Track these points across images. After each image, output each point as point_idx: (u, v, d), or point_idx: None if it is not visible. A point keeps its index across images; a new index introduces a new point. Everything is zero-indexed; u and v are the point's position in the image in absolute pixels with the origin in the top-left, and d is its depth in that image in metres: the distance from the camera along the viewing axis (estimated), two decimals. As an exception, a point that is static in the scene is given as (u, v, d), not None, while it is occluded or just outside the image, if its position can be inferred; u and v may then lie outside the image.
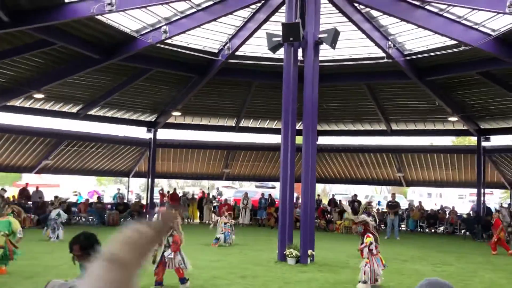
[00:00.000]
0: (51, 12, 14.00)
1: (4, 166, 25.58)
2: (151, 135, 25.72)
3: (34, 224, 20.18)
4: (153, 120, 25.34)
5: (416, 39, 17.15)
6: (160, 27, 15.99)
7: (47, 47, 16.52)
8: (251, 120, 26.39)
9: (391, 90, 21.96)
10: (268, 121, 26.32)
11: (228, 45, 17.92)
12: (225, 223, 16.20)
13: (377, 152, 27.59)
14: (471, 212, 24.78)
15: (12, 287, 8.34)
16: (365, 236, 9.53)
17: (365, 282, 9.16)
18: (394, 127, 25.37)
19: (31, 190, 24.35)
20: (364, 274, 9.23)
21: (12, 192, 28.09)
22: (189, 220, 25.57)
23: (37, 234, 16.47)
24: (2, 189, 23.21)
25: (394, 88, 21.66)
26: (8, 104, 20.83)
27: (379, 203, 26.76)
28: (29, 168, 26.23)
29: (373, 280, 9.18)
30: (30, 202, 22.93)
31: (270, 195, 25.95)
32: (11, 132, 23.22)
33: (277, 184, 33.94)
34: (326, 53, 17.26)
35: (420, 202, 26.69)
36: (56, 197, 19.07)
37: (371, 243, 9.39)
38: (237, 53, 18.52)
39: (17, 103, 21.22)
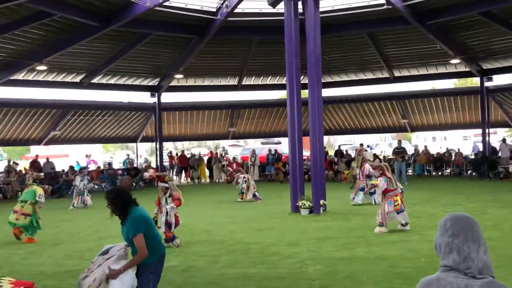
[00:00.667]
0: (47, -17, 13.94)
1: (12, 140, 25.87)
2: (155, 99, 25.87)
3: (49, 195, 20.56)
4: (156, 84, 25.43)
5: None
6: (157, -11, 15.91)
7: (46, 19, 16.49)
8: (254, 78, 26.41)
9: (392, 37, 21.87)
10: (270, 77, 26.33)
11: (226, 3, 17.77)
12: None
13: (381, 100, 27.66)
14: (473, 153, 25.09)
15: (40, 255, 8.70)
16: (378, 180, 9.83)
17: (381, 225, 9.52)
18: (397, 74, 25.39)
19: (41, 161, 24.70)
20: (377, 216, 9.59)
21: (22, 165, 28.47)
22: (199, 180, 26.00)
23: (54, 204, 16.88)
24: (14, 162, 23.62)
25: (395, 35, 21.55)
26: (11, 78, 20.91)
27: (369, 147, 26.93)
28: (37, 140, 26.51)
29: (385, 222, 9.52)
30: (42, 174, 23.26)
31: (276, 150, 26.22)
32: (16, 106, 23.42)
33: (283, 140, 34.30)
34: (325, 3, 17.17)
35: (425, 147, 26.92)
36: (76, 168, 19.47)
37: (372, 186, 9.77)
38: (236, 10, 18.39)
39: (20, 76, 21.31)
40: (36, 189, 10.93)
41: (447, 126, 28.89)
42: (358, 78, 26.42)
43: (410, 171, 24.06)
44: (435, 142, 43.43)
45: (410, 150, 30.71)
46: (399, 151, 21.42)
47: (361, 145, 23.78)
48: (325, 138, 48.84)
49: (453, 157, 24.88)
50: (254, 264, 7.26)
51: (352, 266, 6.97)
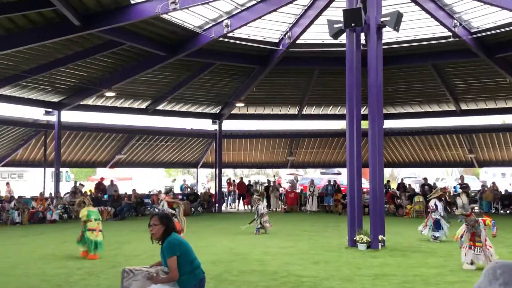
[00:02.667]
0: (119, 14, 14.65)
1: (80, 162, 27.06)
2: (216, 127, 26.35)
3: (111, 216, 21.17)
4: (217, 112, 25.92)
5: (483, 16, 16.54)
6: (222, 21, 16.37)
7: (116, 47, 17.30)
8: (314, 107, 26.39)
9: (459, 69, 21.28)
10: (331, 107, 26.23)
11: (288, 34, 18.02)
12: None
13: (447, 133, 26.90)
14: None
15: (98, 276, 8.91)
16: (482, 221, 9.54)
17: (472, 263, 9.22)
18: (464, 107, 24.62)
19: (106, 183, 25.58)
20: (465, 255, 9.32)
21: (88, 186, 29.56)
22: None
23: (115, 226, 17.32)
24: (80, 184, 24.55)
25: (462, 67, 20.97)
26: (82, 103, 22.00)
27: (455, 189, 26.08)
28: (104, 163, 27.58)
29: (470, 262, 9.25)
30: (106, 196, 24.07)
31: (335, 181, 25.87)
32: (85, 129, 24.57)
33: (343, 170, 33.84)
34: (389, 35, 17.01)
35: (493, 183, 25.71)
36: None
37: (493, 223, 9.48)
38: (298, 41, 18.56)
39: (90, 101, 22.37)
40: (82, 211, 11.47)
41: (517, 162, 27.60)
42: (423, 110, 25.83)
43: (476, 208, 23.01)
44: (505, 178, 41.50)
45: (477, 186, 29.48)
46: (462, 187, 20.67)
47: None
48: (389, 170, 48.04)
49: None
50: (306, 299, 7.11)
51: (409, 307, 6.69)
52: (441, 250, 11.55)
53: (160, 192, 26.27)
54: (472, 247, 9.39)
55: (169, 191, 20.27)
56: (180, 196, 26.25)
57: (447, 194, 14.80)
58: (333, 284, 8.00)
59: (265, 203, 16.07)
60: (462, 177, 22.90)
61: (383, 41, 13.36)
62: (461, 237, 9.76)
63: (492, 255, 9.20)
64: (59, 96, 21.58)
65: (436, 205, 13.74)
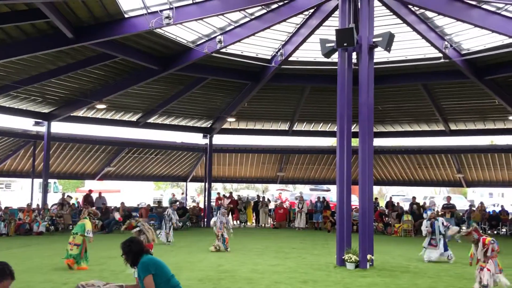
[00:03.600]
0: (112, 27, 14.64)
1: (68, 174, 26.90)
2: (207, 141, 26.35)
3: (99, 229, 20.96)
4: (208, 126, 25.92)
5: (473, 38, 16.76)
6: (215, 37, 16.43)
7: (108, 60, 17.29)
8: (305, 124, 26.49)
9: (448, 90, 21.50)
10: (321, 124, 26.35)
11: (281, 51, 18.13)
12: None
13: (436, 153, 27.12)
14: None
15: (84, 291, 8.81)
16: (482, 240, 9.46)
17: (485, 286, 9.09)
18: (453, 127, 24.83)
19: (94, 196, 25.36)
20: (483, 277, 9.12)
21: (76, 198, 29.35)
22: (245, 223, 25.92)
23: (102, 239, 17.14)
24: (68, 196, 24.36)
25: (452, 88, 21.19)
26: (72, 114, 21.92)
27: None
28: (92, 175, 27.45)
29: (491, 284, 9.11)
30: (94, 208, 23.82)
31: (324, 198, 25.88)
32: (75, 141, 24.50)
33: (332, 187, 33.91)
34: (381, 54, 17.15)
35: (481, 203, 25.83)
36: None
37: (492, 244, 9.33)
38: (290, 58, 18.66)
39: (80, 113, 22.28)
40: (86, 224, 11.58)
41: (504, 183, 27.87)
42: (412, 130, 26.01)
43: (464, 227, 23.08)
44: (492, 198, 41.81)
45: (464, 206, 29.64)
46: (448, 207, 20.87)
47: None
48: (377, 187, 48.19)
49: (510, 215, 23.75)
50: (294, 319, 7.07)
51: (397, 329, 6.67)
52: (430, 271, 11.56)
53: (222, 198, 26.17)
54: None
55: (174, 201, 20.38)
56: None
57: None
58: (321, 304, 7.97)
59: (230, 218, 15.87)
60: (449, 198, 23.08)
61: (375, 60, 13.48)
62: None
63: (485, 278, 9.11)
64: (50, 107, 21.48)
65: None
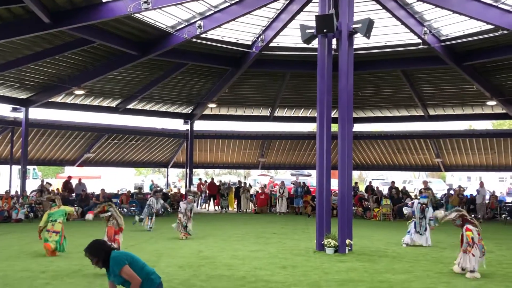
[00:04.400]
0: (90, 12, 14.45)
1: (47, 160, 26.60)
2: (188, 127, 26.27)
3: (79, 216, 20.82)
4: (189, 112, 25.82)
5: (452, 24, 16.88)
6: (195, 22, 16.30)
7: (87, 45, 17.07)
8: (286, 110, 26.54)
9: (427, 76, 21.70)
10: (302, 110, 26.42)
11: (261, 37, 18.07)
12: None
13: (415, 138, 27.42)
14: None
15: (62, 280, 8.78)
16: (465, 228, 9.67)
17: (472, 271, 9.28)
18: (432, 112, 25.10)
19: (74, 182, 25.14)
20: (469, 262, 9.32)
21: (56, 184, 29.05)
22: (227, 209, 25.98)
23: (81, 227, 17.01)
24: (47, 182, 24.08)
25: (431, 74, 21.39)
26: (50, 100, 21.63)
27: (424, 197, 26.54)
28: (72, 161, 27.21)
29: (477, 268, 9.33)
30: (73, 194, 23.68)
31: (304, 183, 26.03)
32: (53, 127, 24.19)
33: (313, 172, 34.08)
34: (361, 40, 17.19)
35: (459, 187, 26.22)
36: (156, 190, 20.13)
37: (472, 238, 9.51)
38: (271, 44, 18.62)
39: (58, 99, 22.03)
40: (67, 209, 11.94)
41: (482, 167, 28.32)
42: (392, 115, 26.23)
43: (442, 211, 23.37)
44: (470, 182, 42.47)
45: (443, 189, 30.07)
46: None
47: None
48: (357, 172, 48.64)
49: (487, 199, 24.15)
50: (273, 305, 7.15)
51: (374, 313, 6.79)
52: (408, 255, 11.74)
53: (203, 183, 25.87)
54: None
55: (159, 191, 20.22)
56: (149, 196, 26.06)
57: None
58: (300, 290, 8.07)
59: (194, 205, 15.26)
60: (425, 182, 23.42)
61: (354, 46, 13.52)
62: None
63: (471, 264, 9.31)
64: (27, 93, 21.16)
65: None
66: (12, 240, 14.05)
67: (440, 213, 11.42)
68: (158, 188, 23.32)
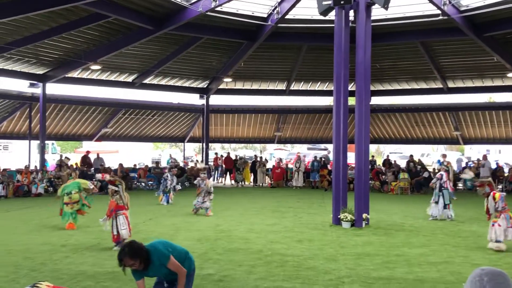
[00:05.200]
0: (104, -14, 14.33)
1: (66, 135, 26.85)
2: (203, 101, 26.25)
3: (97, 190, 21.04)
4: (205, 86, 25.75)
5: (472, -6, 16.47)
6: (210, -5, 16.10)
7: (102, 20, 17.00)
8: (302, 83, 26.32)
9: (447, 48, 21.28)
10: (319, 83, 26.18)
11: (277, 9, 17.82)
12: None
13: (433, 111, 27.06)
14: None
15: (82, 254, 8.92)
16: (492, 194, 9.55)
17: (499, 241, 9.21)
18: (451, 84, 24.71)
19: (92, 157, 25.42)
20: (496, 233, 9.25)
21: (74, 159, 29.39)
22: (243, 183, 26.10)
23: (101, 200, 17.19)
24: (66, 157, 24.39)
25: (450, 45, 20.97)
26: (67, 75, 21.72)
27: (438, 163, 26.20)
28: (89, 136, 27.42)
29: (504, 237, 9.24)
30: (92, 169, 23.95)
31: (321, 157, 25.97)
32: (70, 102, 24.35)
33: (329, 146, 33.96)
34: (378, 12, 16.87)
35: (478, 160, 25.91)
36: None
37: (502, 199, 9.40)
38: (286, 16, 18.36)
39: (75, 74, 22.10)
40: (80, 181, 12.15)
41: (501, 140, 27.89)
42: (410, 88, 25.89)
43: (460, 185, 23.26)
44: (489, 154, 41.98)
45: (462, 163, 29.76)
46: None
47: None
48: (375, 146, 48.31)
49: (507, 172, 23.89)
50: (290, 278, 7.18)
51: (390, 287, 6.79)
52: (424, 229, 11.70)
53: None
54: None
55: (174, 166, 20.36)
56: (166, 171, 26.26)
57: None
58: (316, 263, 8.09)
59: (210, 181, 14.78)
60: (444, 155, 23.07)
61: (372, 18, 13.26)
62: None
63: (496, 233, 9.21)
64: (44, 69, 21.26)
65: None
66: (32, 214, 14.30)
67: (468, 174, 11.15)
68: (173, 164, 23.45)
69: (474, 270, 2.01)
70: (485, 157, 24.00)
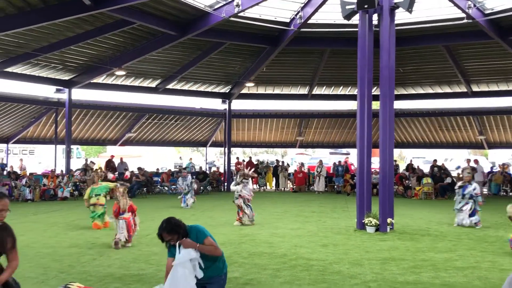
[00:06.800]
0: (129, -7, 14.53)
1: (90, 140, 27.26)
2: (226, 106, 26.38)
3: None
4: (227, 91, 25.88)
5: (498, -3, 16.28)
6: (233, 0, 16.19)
7: (127, 26, 17.25)
8: (324, 87, 26.27)
9: (471, 51, 21.06)
10: (341, 87, 26.10)
11: (300, 14, 17.82)
12: None
13: (457, 115, 26.81)
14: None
15: (109, 256, 9.04)
16: None
17: None
18: (475, 88, 24.44)
19: (116, 161, 25.74)
20: None
21: (98, 163, 29.81)
22: (264, 187, 26.13)
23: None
24: (91, 161, 24.76)
25: (475, 49, 20.74)
26: (92, 81, 22.06)
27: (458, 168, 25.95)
28: (113, 141, 27.78)
29: None
30: (116, 173, 24.23)
31: (346, 161, 25.87)
32: (96, 108, 24.74)
33: (352, 150, 33.78)
34: (402, 16, 16.80)
35: (503, 164, 25.52)
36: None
37: None
38: (309, 21, 18.37)
39: (100, 80, 22.42)
40: (109, 184, 12.43)
41: (527, 144, 27.46)
42: (434, 92, 25.66)
43: (485, 190, 22.95)
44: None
45: (486, 167, 29.31)
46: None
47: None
48: (397, 151, 47.83)
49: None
50: (315, 283, 7.18)
51: (417, 292, 6.75)
52: (450, 234, 11.58)
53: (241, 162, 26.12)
54: None
55: (184, 168, 20.65)
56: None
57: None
58: (342, 268, 8.08)
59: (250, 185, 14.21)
60: (468, 160, 22.93)
61: (396, 22, 13.20)
62: None
63: None
64: (70, 74, 21.64)
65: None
66: (58, 218, 14.53)
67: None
68: (190, 164, 23.66)
69: None
70: (476, 161, 23.73)
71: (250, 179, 14.84)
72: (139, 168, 23.59)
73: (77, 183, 21.39)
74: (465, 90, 24.38)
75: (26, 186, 19.77)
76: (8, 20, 15.00)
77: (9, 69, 19.57)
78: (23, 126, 24.64)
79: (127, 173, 22.66)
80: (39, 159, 33.44)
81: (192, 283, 4.69)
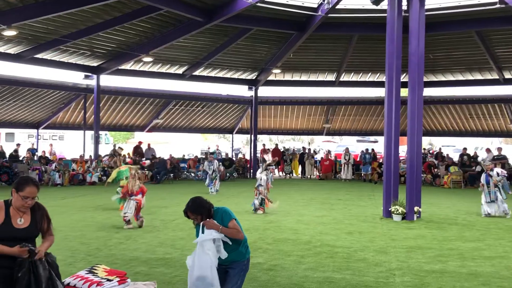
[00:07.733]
0: (156, -21, 14.55)
1: (118, 126, 27.58)
2: (252, 93, 26.34)
3: (148, 180, 21.59)
4: (254, 78, 25.81)
5: (533, -20, 15.70)
6: (260, -14, 16.07)
7: (154, 13, 17.27)
8: (352, 74, 25.96)
9: (504, 37, 20.46)
10: (369, 74, 25.75)
11: (328, -1, 17.59)
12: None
13: (488, 102, 26.19)
14: None
15: (135, 240, 9.16)
16: None
17: None
18: (507, 75, 23.83)
19: (143, 147, 26.04)
20: None
21: (126, 149, 30.19)
22: (291, 174, 26.08)
23: (152, 189, 17.61)
24: (119, 147, 25.00)
25: (508, 35, 20.13)
26: (120, 67, 22.25)
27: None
28: (141, 127, 28.06)
29: None
30: (143, 159, 24.51)
31: (372, 149, 25.61)
32: (123, 94, 25.01)
33: (379, 138, 33.39)
34: (432, 0, 16.43)
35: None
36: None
37: None
38: (337, 6, 18.10)
39: (128, 66, 22.61)
40: (129, 168, 12.24)
41: (561, 134, 26.70)
42: (464, 79, 25.10)
43: None
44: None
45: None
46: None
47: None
48: (426, 138, 47.11)
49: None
50: (340, 270, 7.14)
51: (442, 280, 6.63)
52: (479, 223, 11.37)
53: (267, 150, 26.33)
54: None
55: (210, 153, 20.78)
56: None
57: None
58: (367, 255, 8.01)
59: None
60: (499, 149, 22.38)
61: (426, 7, 12.90)
62: None
63: None
64: (98, 61, 21.87)
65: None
66: (87, 202, 14.79)
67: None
68: (211, 151, 23.79)
69: None
70: (488, 150, 23.20)
71: (274, 166, 14.75)
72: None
73: (105, 168, 21.70)
74: (497, 77, 23.79)
75: (56, 171, 20.16)
76: (37, 7, 15.21)
77: (39, 56, 19.86)
78: (52, 112, 25.06)
79: (146, 161, 23.17)
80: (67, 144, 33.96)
81: (215, 261, 4.70)
